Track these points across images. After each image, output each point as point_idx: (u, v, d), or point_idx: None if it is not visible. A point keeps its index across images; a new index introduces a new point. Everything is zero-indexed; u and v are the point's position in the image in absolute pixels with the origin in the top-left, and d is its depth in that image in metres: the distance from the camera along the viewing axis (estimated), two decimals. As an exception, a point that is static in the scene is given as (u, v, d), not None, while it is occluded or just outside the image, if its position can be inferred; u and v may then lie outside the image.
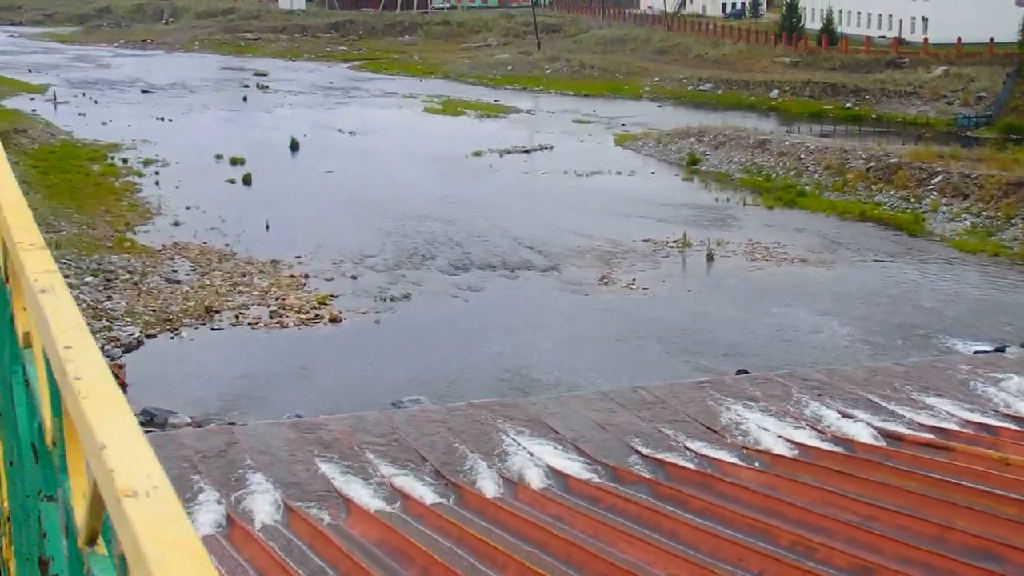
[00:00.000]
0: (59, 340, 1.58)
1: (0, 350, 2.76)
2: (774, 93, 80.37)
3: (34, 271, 1.96)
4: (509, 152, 62.45)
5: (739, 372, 27.01)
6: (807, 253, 41.40)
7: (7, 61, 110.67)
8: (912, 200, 47.22)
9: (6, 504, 3.42)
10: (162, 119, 74.42)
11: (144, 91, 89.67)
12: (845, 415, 22.39)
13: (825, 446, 21.18)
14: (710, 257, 40.97)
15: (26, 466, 2.40)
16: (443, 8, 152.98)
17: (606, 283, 38.25)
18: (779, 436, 21.47)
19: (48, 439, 1.96)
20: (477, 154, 61.50)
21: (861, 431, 21.73)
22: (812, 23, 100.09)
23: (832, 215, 47.13)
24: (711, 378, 25.84)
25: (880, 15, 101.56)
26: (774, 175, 53.19)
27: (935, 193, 46.85)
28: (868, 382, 24.41)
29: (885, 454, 20.66)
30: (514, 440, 21.21)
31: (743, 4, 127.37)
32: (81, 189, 50.85)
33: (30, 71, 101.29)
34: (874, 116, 73.32)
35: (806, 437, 21.52)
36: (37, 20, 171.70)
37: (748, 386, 24.12)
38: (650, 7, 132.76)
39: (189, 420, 26.05)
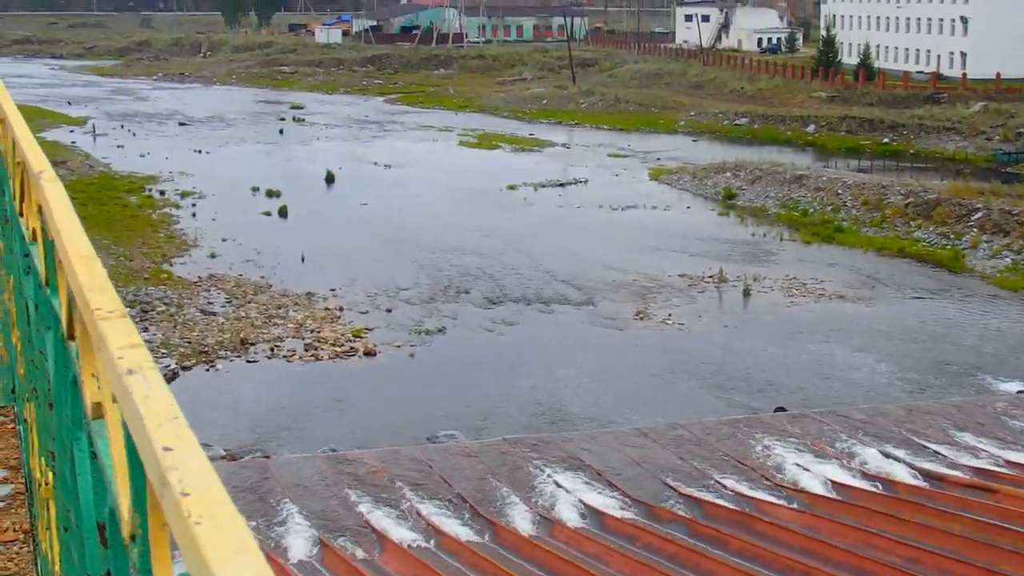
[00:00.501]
0: (155, 438, 1.37)
1: (60, 409, 2.65)
2: (810, 128, 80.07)
3: (118, 345, 1.73)
4: (544, 186, 62.39)
5: (777, 409, 26.73)
6: (845, 289, 41.07)
7: (48, 94, 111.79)
8: (951, 236, 46.82)
9: (57, 569, 3.28)
10: (199, 151, 74.86)
11: (182, 124, 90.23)
12: (885, 454, 22.07)
13: (865, 486, 20.87)
14: (746, 292, 40.68)
15: (87, 543, 2.26)
16: (478, 42, 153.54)
17: (641, 318, 38.03)
18: (818, 475, 21.17)
19: (125, 532, 1.78)
20: (512, 187, 61.48)
21: (901, 471, 21.41)
22: (849, 58, 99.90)
23: (870, 251, 46.78)
24: (749, 415, 25.58)
25: (918, 50, 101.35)
26: (811, 210, 52.90)
27: (975, 230, 46.43)
28: (908, 421, 24.08)
29: (927, 495, 20.33)
30: (549, 476, 21.00)
31: (779, 39, 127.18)
32: (119, 221, 51.11)
33: (70, 103, 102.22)
34: (912, 152, 72.82)
35: (846, 477, 21.22)
36: (77, 53, 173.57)
37: (786, 424, 23.83)
38: (685, 41, 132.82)
39: (224, 453, 25.98)
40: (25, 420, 4.78)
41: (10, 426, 7.05)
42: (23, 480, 5.80)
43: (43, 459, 3.63)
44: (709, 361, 33.78)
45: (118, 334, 1.79)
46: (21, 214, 3.73)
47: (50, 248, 2.68)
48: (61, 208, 2.58)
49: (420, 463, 22.01)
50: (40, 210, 3.09)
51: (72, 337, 2.44)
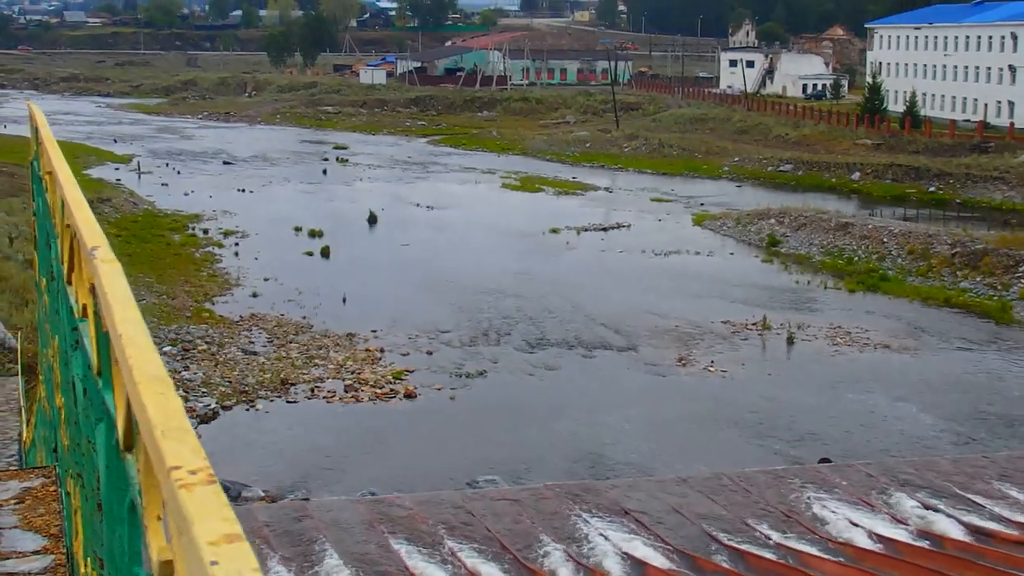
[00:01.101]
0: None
1: (113, 525, 2.39)
2: (856, 175, 79.61)
3: (208, 539, 1.35)
4: (586, 229, 62.26)
5: (822, 460, 26.35)
6: (890, 339, 40.61)
7: (94, 131, 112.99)
8: (999, 287, 46.31)
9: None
10: (243, 190, 75.26)
11: (226, 163, 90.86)
12: (932, 508, 21.65)
13: (912, 541, 20.46)
14: (791, 340, 40.32)
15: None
16: (522, 85, 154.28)
17: (684, 364, 37.73)
18: (864, 529, 20.78)
19: None
20: (554, 231, 61.38)
21: (949, 526, 20.99)
22: (895, 105, 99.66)
23: (915, 301, 46.29)
24: (793, 466, 25.21)
25: (964, 99, 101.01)
26: (856, 258, 52.51)
27: (1023, 281, 45.93)
28: (955, 473, 23.64)
29: (976, 551, 19.90)
30: (591, 524, 20.72)
31: (824, 85, 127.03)
32: (162, 259, 51.34)
33: (116, 141, 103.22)
34: (958, 201, 72.13)
35: (892, 531, 20.82)
36: (124, 91, 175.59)
37: (831, 475, 23.43)
38: (729, 87, 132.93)
39: (263, 493, 25.85)
40: (68, 492, 4.58)
41: (52, 488, 6.72)
42: (64, 551, 5.40)
43: (88, 559, 3.40)
44: (752, 409, 33.42)
45: (207, 516, 1.35)
46: (69, 282, 3.54)
47: (104, 340, 2.48)
48: (121, 302, 2.35)
49: (460, 508, 21.76)
50: (93, 291, 2.91)
51: (129, 449, 2.16)
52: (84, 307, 3.21)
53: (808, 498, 22.77)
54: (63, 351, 4.30)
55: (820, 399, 34.22)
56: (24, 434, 16.22)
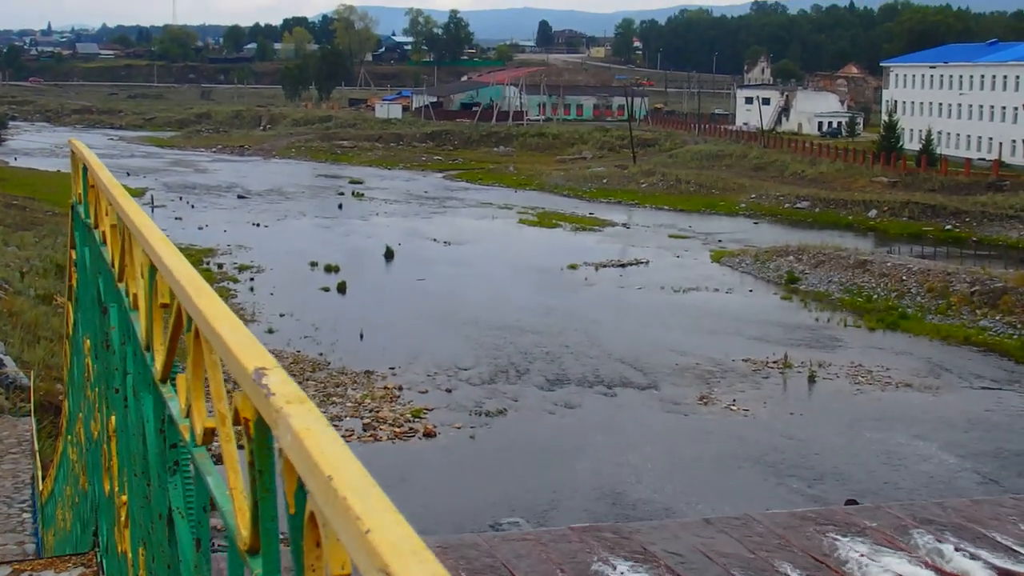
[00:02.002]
0: None
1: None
2: (872, 213, 79.34)
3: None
4: (604, 266, 62.02)
5: (848, 502, 25.98)
6: (911, 377, 40.27)
7: (107, 164, 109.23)
8: (1019, 326, 45.95)
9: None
10: (258, 225, 75.16)
11: (241, 196, 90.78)
12: (963, 551, 21.28)
13: (944, 585, 20.10)
14: (812, 379, 40.00)
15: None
16: (538, 120, 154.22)
17: (706, 403, 37.42)
18: (893, 572, 20.44)
19: None
20: (572, 267, 61.15)
21: (980, 571, 20.63)
22: (911, 143, 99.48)
23: (936, 339, 45.93)
24: (820, 508, 24.84)
25: (980, 137, 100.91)
26: (875, 296, 52.20)
27: (1042, 320, 45.66)
28: (983, 515, 23.22)
29: (1011, 598, 19.53)
30: (617, 568, 20.38)
31: (839, 123, 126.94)
32: (177, 294, 51.05)
33: (128, 174, 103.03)
34: (975, 239, 71.85)
35: (922, 574, 20.47)
36: (137, 124, 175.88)
37: (859, 517, 23.05)
38: (746, 124, 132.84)
39: (282, 537, 25.52)
40: None
41: None
42: None
43: None
44: (775, 449, 33.09)
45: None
46: (164, 381, 2.97)
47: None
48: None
49: (483, 551, 21.43)
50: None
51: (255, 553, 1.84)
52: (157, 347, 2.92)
53: (837, 541, 22.47)
54: (121, 405, 3.87)
55: (843, 438, 33.87)
56: (41, 485, 15.88)
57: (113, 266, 3.85)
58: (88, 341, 5.16)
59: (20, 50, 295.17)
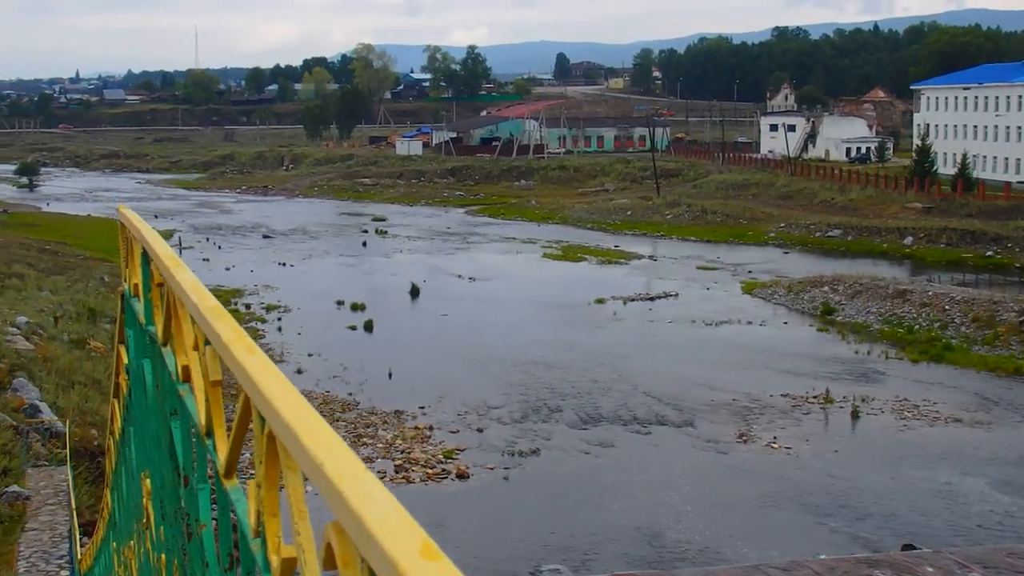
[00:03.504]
0: None
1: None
2: (908, 240, 77.95)
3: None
4: (633, 299, 60.95)
5: (905, 547, 24.78)
6: (960, 412, 38.95)
7: (135, 207, 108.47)
8: (1071, 357, 44.64)
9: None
10: (283, 264, 74.59)
11: (266, 236, 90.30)
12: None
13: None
14: (855, 415, 38.74)
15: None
16: (559, 153, 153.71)
17: (745, 441, 36.24)
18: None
19: None
20: (600, 301, 60.11)
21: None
22: (945, 168, 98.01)
23: (983, 371, 44.57)
24: (876, 555, 23.63)
25: (1019, 160, 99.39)
26: (916, 327, 50.83)
27: (1097, 349, 44.34)
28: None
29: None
30: (667, 622, 19.30)
31: (868, 148, 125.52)
32: (204, 336, 50.38)
33: (156, 216, 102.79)
34: (1018, 265, 70.06)
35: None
36: (163, 167, 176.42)
37: (918, 563, 21.95)
38: (771, 151, 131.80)
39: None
40: None
41: None
42: None
43: None
44: (819, 488, 31.91)
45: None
46: (227, 475, 2.51)
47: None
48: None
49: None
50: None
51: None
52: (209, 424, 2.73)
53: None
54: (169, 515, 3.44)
55: (891, 477, 32.65)
56: (80, 553, 15.04)
57: (181, 378, 3.22)
58: (148, 480, 4.20)
59: (50, 98, 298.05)
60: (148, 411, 4.08)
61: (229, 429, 2.34)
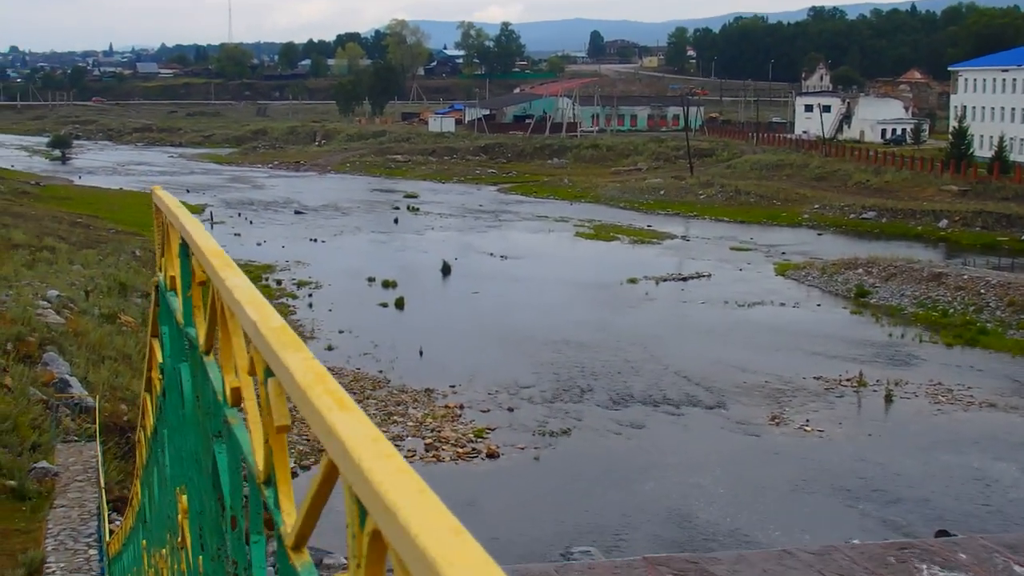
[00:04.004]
0: None
1: None
2: (943, 223, 77.34)
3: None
4: (665, 280, 60.69)
5: (939, 533, 24.54)
6: (995, 396, 38.61)
7: (167, 181, 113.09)
8: (1108, 342, 44.19)
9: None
10: (315, 240, 74.59)
11: (297, 212, 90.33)
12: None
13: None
14: (888, 398, 38.44)
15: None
16: (592, 131, 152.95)
17: (777, 424, 36.02)
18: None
19: None
20: (632, 281, 59.86)
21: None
22: (981, 150, 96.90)
23: (1019, 355, 44.16)
24: (910, 540, 23.46)
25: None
26: (951, 310, 50.42)
27: None
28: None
29: None
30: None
31: (904, 130, 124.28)
32: (235, 311, 50.43)
33: (188, 191, 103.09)
34: (1055, 249, 69.50)
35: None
36: (196, 141, 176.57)
37: (952, 550, 21.73)
38: (805, 132, 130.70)
39: (344, 561, 24.49)
40: None
41: None
42: None
43: None
44: (852, 472, 31.68)
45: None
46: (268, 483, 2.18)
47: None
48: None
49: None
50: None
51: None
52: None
53: (924, 573, 21.10)
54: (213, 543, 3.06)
55: (924, 462, 32.39)
56: (108, 537, 14.95)
57: (224, 395, 2.73)
58: (184, 497, 3.83)
59: (84, 71, 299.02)
60: (185, 421, 3.70)
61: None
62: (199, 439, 3.33)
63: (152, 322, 4.88)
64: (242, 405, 2.54)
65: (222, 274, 2.52)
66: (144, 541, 6.61)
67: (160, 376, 4.69)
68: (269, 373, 1.94)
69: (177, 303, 3.84)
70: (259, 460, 2.26)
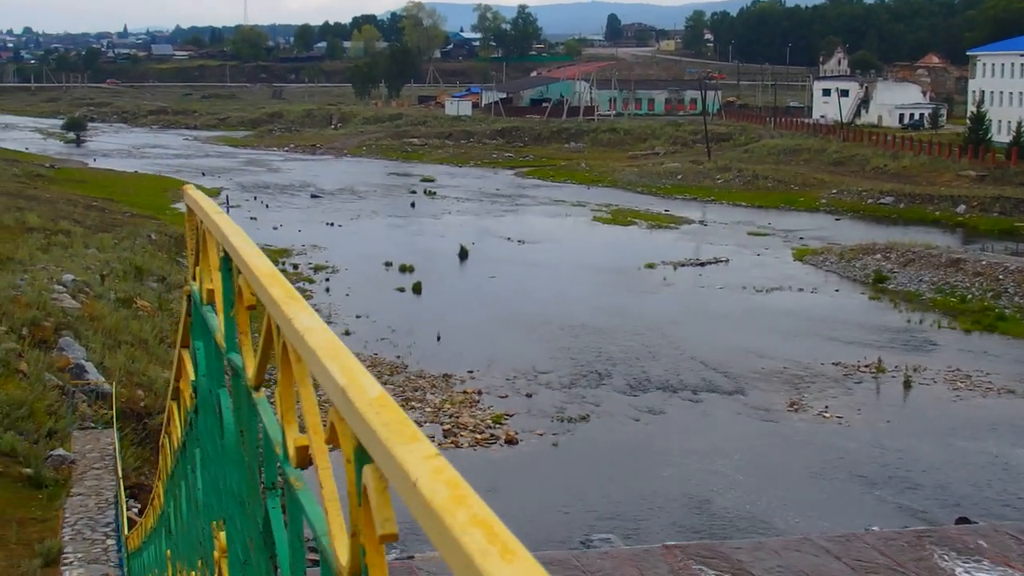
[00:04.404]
0: None
1: None
2: (960, 208, 76.99)
3: None
4: (683, 265, 60.56)
5: (959, 520, 24.47)
6: (1014, 383, 38.44)
7: (182, 164, 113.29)
8: None
9: None
10: (331, 224, 74.55)
11: (314, 196, 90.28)
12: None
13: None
14: (907, 384, 38.31)
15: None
16: (609, 115, 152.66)
17: (796, 410, 35.94)
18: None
19: None
20: (650, 266, 59.74)
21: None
22: (1000, 135, 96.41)
23: (1038, 342, 44.06)
24: (931, 528, 23.40)
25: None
26: (969, 296, 50.21)
27: None
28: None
29: None
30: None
31: (921, 115, 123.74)
32: (252, 295, 50.44)
33: (203, 174, 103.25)
34: (1074, 235, 69.14)
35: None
36: (211, 124, 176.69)
37: (973, 537, 21.67)
38: (823, 116, 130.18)
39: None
40: None
41: None
42: None
43: None
44: (871, 459, 31.60)
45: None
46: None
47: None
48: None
49: (576, 570, 20.30)
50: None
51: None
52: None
53: (951, 563, 21.04)
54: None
55: (943, 449, 32.28)
56: (125, 529, 14.90)
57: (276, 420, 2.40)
58: (222, 535, 3.54)
59: (98, 53, 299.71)
60: (224, 454, 3.28)
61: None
62: (243, 479, 2.94)
63: (183, 332, 4.35)
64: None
65: (286, 309, 1.93)
66: (168, 551, 6.43)
67: (192, 393, 4.22)
68: (364, 457, 1.47)
69: (216, 322, 3.33)
70: (341, 555, 1.71)
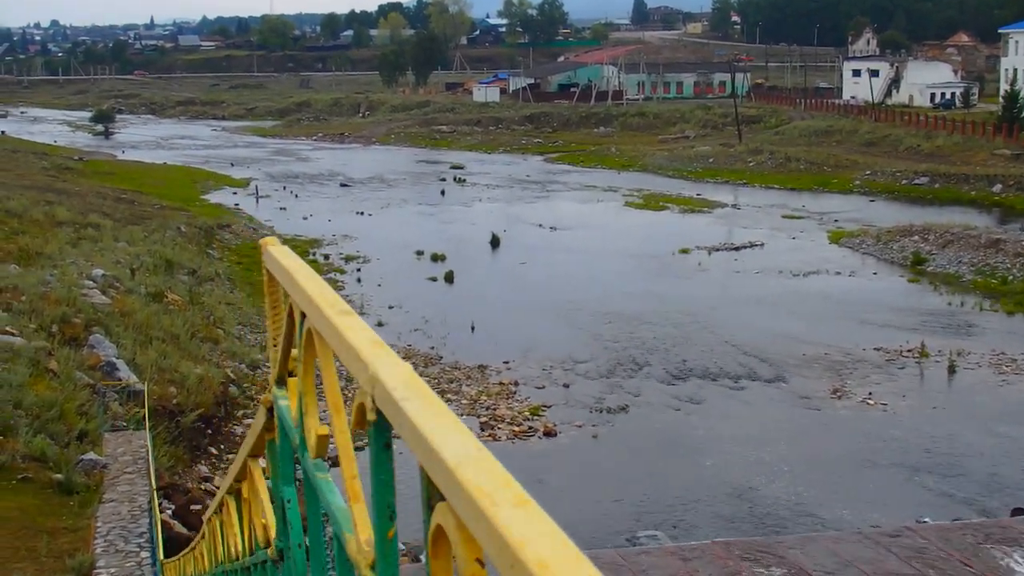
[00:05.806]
0: None
1: None
2: (996, 188, 75.93)
3: None
4: (718, 249, 59.88)
5: (1015, 512, 23.83)
6: (1062, 367, 37.71)
7: (211, 155, 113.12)
8: None
9: None
10: (361, 213, 74.09)
11: (343, 185, 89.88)
12: None
13: None
14: (952, 369, 37.58)
15: None
16: (638, 99, 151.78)
17: (839, 397, 35.28)
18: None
19: None
20: (684, 251, 59.08)
21: None
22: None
23: (1084, 324, 43.24)
24: (987, 520, 22.78)
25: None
26: (1011, 277, 49.37)
27: None
28: None
29: None
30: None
31: (953, 94, 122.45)
32: (284, 287, 50.02)
33: (232, 165, 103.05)
34: (1112, 214, 68.10)
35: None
36: (239, 114, 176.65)
37: (1029, 529, 21.04)
38: (853, 97, 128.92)
39: (403, 547, 24.04)
40: None
41: None
42: None
43: None
44: (919, 447, 30.94)
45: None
46: None
47: None
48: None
49: (623, 569, 19.77)
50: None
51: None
52: None
53: (1010, 556, 20.43)
54: None
55: (992, 436, 31.59)
56: (159, 533, 14.40)
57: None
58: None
59: (125, 45, 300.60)
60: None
61: None
62: None
63: (255, 443, 3.44)
64: None
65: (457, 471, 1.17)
66: None
67: (271, 539, 3.35)
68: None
69: (298, 437, 2.47)
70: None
